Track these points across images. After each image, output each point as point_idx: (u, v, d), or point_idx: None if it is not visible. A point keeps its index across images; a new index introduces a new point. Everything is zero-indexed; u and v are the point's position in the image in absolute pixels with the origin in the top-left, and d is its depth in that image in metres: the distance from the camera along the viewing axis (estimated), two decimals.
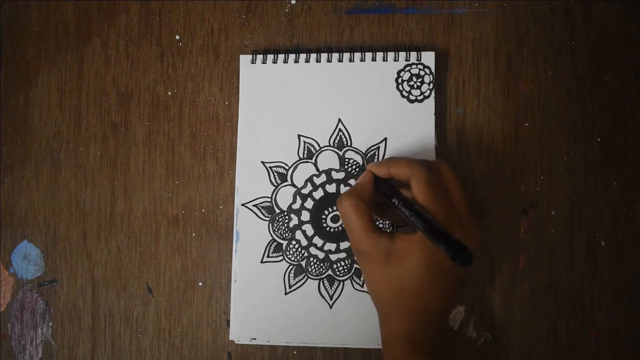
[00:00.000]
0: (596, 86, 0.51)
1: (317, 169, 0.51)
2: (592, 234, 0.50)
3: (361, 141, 0.50)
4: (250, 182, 0.51)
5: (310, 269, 0.50)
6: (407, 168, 0.43)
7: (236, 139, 0.52)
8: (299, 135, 0.51)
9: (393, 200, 0.43)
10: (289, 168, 0.51)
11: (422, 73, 0.50)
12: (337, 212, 0.50)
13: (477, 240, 0.43)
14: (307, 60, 0.52)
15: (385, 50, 0.51)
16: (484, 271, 0.50)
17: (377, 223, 0.50)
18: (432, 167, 0.43)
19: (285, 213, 0.51)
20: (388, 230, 0.50)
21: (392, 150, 0.50)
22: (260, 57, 0.52)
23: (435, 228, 0.39)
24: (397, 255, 0.42)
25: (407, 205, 0.42)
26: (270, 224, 0.51)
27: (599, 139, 0.51)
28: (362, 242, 0.43)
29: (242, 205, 0.51)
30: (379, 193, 0.45)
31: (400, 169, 0.43)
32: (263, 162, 0.51)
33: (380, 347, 0.49)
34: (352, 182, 0.50)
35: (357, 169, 0.50)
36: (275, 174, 0.51)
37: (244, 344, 0.51)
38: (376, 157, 0.50)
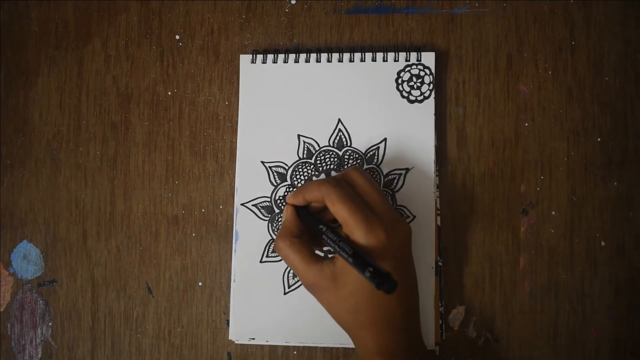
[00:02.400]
0: (596, 86, 0.51)
1: (317, 169, 0.51)
2: (592, 234, 0.50)
3: (361, 141, 0.50)
4: (249, 182, 0.51)
5: None
6: (317, 190, 0.43)
7: (236, 139, 0.52)
8: (298, 135, 0.51)
9: (320, 227, 0.43)
10: (289, 168, 0.51)
11: (422, 73, 0.50)
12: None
13: (406, 233, 0.43)
14: (307, 60, 0.52)
15: (386, 50, 0.51)
16: (484, 271, 0.50)
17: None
18: (341, 179, 0.44)
19: None
20: (329, 256, 0.49)
21: (392, 150, 0.50)
22: (260, 57, 0.52)
23: (358, 258, 0.39)
24: (342, 276, 0.42)
25: (328, 236, 0.42)
26: (270, 224, 0.50)
27: (599, 139, 0.51)
28: (308, 275, 0.42)
29: (242, 205, 0.51)
30: (304, 224, 0.45)
31: (312, 193, 0.43)
32: (263, 162, 0.51)
33: None
34: None
35: None
36: (275, 173, 0.51)
37: (244, 344, 0.51)
38: (376, 157, 0.50)
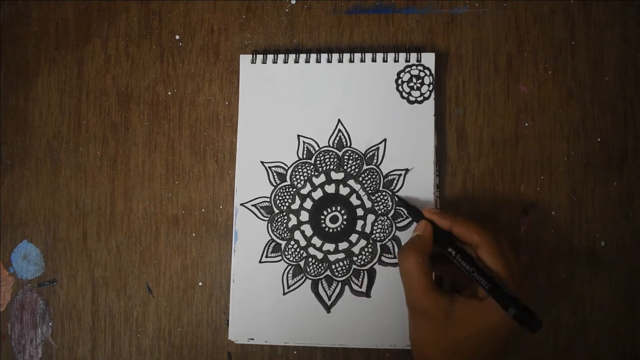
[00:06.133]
0: (596, 86, 0.51)
1: (317, 169, 0.51)
2: (592, 234, 0.50)
3: (361, 142, 0.50)
4: (249, 182, 0.51)
5: (308, 269, 0.50)
6: (477, 234, 0.42)
7: (236, 139, 0.52)
8: (298, 136, 0.51)
9: (450, 250, 0.43)
10: (289, 168, 0.51)
11: (422, 74, 0.50)
12: (335, 213, 0.50)
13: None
14: (307, 61, 0.52)
15: (386, 51, 0.51)
16: None
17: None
18: (496, 236, 0.43)
19: (284, 213, 0.51)
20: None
21: (391, 151, 0.50)
22: (260, 57, 0.52)
23: (501, 289, 0.39)
24: (458, 319, 0.41)
25: (467, 259, 0.41)
26: (269, 224, 0.51)
27: (599, 139, 0.51)
28: (423, 300, 0.41)
29: (241, 205, 0.51)
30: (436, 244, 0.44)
31: (468, 232, 0.43)
32: (262, 162, 0.51)
33: (377, 347, 0.49)
34: (351, 182, 0.50)
35: (357, 170, 0.50)
36: (275, 174, 0.51)
37: (244, 344, 0.51)
38: (375, 157, 0.50)
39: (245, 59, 0.52)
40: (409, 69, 0.51)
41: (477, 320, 0.40)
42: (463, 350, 0.41)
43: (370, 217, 0.50)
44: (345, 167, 0.50)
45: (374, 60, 0.51)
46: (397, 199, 0.49)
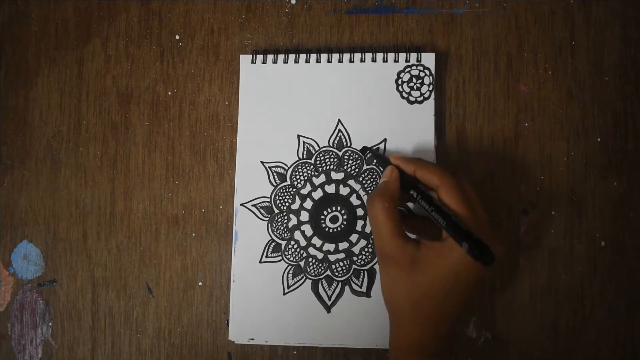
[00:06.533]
0: (596, 86, 0.51)
1: (317, 169, 0.51)
2: (592, 234, 0.50)
3: (361, 142, 0.50)
4: (249, 182, 0.51)
5: (309, 270, 0.50)
6: (437, 176, 0.42)
7: (236, 139, 0.52)
8: (298, 136, 0.51)
9: (412, 193, 0.43)
10: (289, 168, 0.51)
11: (422, 74, 0.50)
12: (336, 213, 0.50)
13: (498, 254, 0.42)
14: (307, 61, 0.52)
15: (386, 51, 0.51)
16: (483, 271, 0.50)
17: None
18: (458, 178, 0.43)
19: (284, 213, 0.51)
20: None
21: (392, 151, 0.50)
22: (260, 57, 0.52)
23: (458, 225, 0.39)
24: (423, 263, 0.41)
25: (427, 199, 0.42)
26: (269, 224, 0.50)
27: (599, 139, 0.51)
28: (389, 245, 0.42)
29: (241, 205, 0.51)
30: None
31: (429, 174, 0.43)
32: (262, 162, 0.51)
33: (378, 347, 0.49)
34: (351, 182, 0.50)
35: (357, 170, 0.50)
36: (275, 174, 0.51)
37: (244, 344, 0.51)
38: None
39: (245, 59, 0.52)
40: (409, 69, 0.51)
41: (440, 262, 0.41)
42: (430, 296, 0.41)
43: None
44: (345, 167, 0.50)
45: (374, 60, 0.51)
46: (369, 153, 0.50)
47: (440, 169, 0.43)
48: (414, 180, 0.44)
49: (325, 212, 0.50)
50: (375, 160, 0.50)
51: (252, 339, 0.50)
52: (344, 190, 0.50)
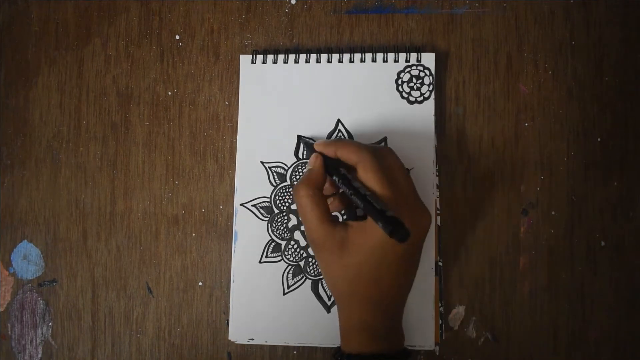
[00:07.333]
0: (596, 86, 0.51)
1: None
2: (592, 234, 0.50)
3: (361, 142, 0.50)
4: (249, 182, 0.51)
5: (308, 270, 0.50)
6: (354, 153, 0.42)
7: (236, 139, 0.52)
8: (298, 136, 0.51)
9: (334, 178, 0.43)
10: (288, 168, 0.51)
11: (422, 74, 0.50)
12: (335, 213, 0.50)
13: (427, 223, 0.43)
14: (307, 61, 0.52)
15: (386, 51, 0.51)
16: (483, 271, 0.50)
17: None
18: (379, 153, 0.43)
19: (284, 213, 0.51)
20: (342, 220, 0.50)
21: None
22: (260, 57, 0.52)
23: (372, 205, 0.39)
24: (351, 244, 0.42)
25: (346, 182, 0.42)
26: (269, 224, 0.50)
27: (599, 139, 0.51)
28: (318, 232, 0.42)
29: (241, 205, 0.51)
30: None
31: (348, 153, 0.43)
32: (262, 162, 0.51)
33: None
34: None
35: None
36: (275, 174, 0.51)
37: (244, 344, 0.51)
38: None
39: (245, 59, 0.52)
40: (409, 69, 0.51)
41: (366, 242, 0.41)
42: (362, 276, 0.42)
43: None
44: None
45: (374, 60, 0.51)
46: (300, 140, 0.50)
47: (357, 146, 0.43)
48: (337, 164, 0.44)
49: None
50: (305, 152, 0.50)
51: (252, 339, 0.50)
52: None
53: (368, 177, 0.41)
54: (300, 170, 0.51)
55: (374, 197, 0.40)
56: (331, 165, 0.44)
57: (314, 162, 0.45)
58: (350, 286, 0.43)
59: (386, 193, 0.41)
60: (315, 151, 0.46)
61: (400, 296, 0.44)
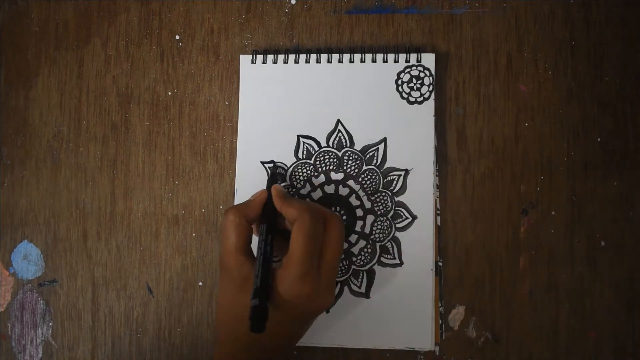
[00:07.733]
0: (596, 86, 0.51)
1: (316, 170, 0.51)
2: (592, 234, 0.50)
3: (360, 142, 0.50)
4: (249, 182, 0.51)
5: None
6: (296, 212, 0.42)
7: (236, 139, 0.52)
8: (298, 136, 0.51)
9: (262, 226, 0.43)
10: (288, 168, 0.51)
11: (421, 75, 0.50)
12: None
13: (323, 306, 0.43)
14: (307, 61, 0.52)
15: (385, 51, 0.51)
16: (484, 271, 0.50)
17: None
18: (322, 218, 0.42)
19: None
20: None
21: (391, 151, 0.50)
22: (260, 57, 0.52)
23: (263, 276, 0.39)
24: (249, 287, 0.41)
25: (264, 239, 0.42)
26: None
27: (599, 139, 0.51)
28: (229, 258, 0.42)
29: None
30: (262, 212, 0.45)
31: (291, 210, 0.42)
32: (262, 162, 0.51)
33: (376, 347, 0.49)
34: (351, 182, 0.50)
35: (356, 170, 0.50)
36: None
37: None
38: (375, 158, 0.50)
39: (245, 59, 0.52)
40: (408, 69, 0.51)
41: None
42: (242, 320, 0.40)
43: (370, 218, 0.50)
44: (344, 168, 0.50)
45: (374, 60, 0.51)
46: (273, 166, 0.50)
47: (302, 206, 0.42)
48: (273, 216, 0.44)
49: None
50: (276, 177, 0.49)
51: None
52: (343, 191, 0.50)
53: (297, 238, 0.40)
54: (300, 170, 0.51)
55: (275, 271, 0.40)
56: (268, 213, 0.44)
57: (258, 196, 0.45)
58: (234, 324, 0.42)
59: (302, 261, 0.40)
60: (269, 187, 0.46)
61: (276, 354, 0.43)
